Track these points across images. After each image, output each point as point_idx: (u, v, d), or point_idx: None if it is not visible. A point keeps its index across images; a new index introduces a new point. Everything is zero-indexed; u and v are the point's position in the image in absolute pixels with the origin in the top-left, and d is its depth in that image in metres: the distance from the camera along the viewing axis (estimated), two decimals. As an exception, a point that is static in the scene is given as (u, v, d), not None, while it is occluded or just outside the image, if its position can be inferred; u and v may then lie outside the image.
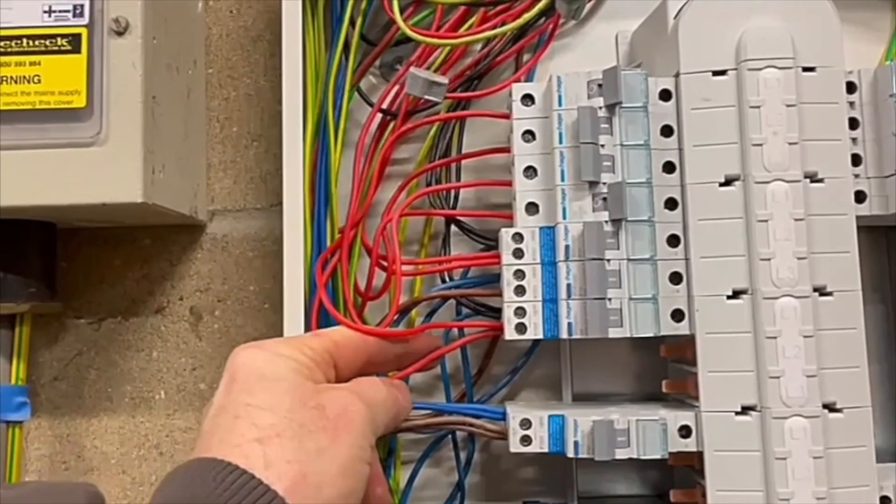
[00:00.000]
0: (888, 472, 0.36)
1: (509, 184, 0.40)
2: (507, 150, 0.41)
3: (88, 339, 0.44)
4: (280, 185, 0.45)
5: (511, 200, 0.39)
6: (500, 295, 0.38)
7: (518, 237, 0.36)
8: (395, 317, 0.38)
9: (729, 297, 0.34)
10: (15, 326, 0.40)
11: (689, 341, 0.36)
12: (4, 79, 0.34)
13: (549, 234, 0.36)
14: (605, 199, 0.35)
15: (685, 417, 0.35)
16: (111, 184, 0.34)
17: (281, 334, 0.44)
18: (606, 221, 0.35)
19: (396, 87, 0.41)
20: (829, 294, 0.34)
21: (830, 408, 0.34)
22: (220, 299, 0.44)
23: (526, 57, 0.43)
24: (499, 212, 0.41)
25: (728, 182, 0.35)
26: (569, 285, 0.35)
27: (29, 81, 0.35)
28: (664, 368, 0.41)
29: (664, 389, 0.38)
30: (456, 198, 0.42)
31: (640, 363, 0.42)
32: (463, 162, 0.42)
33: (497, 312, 0.40)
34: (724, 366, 0.34)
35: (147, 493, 0.43)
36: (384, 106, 0.41)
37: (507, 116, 0.41)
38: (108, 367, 0.44)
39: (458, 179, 0.42)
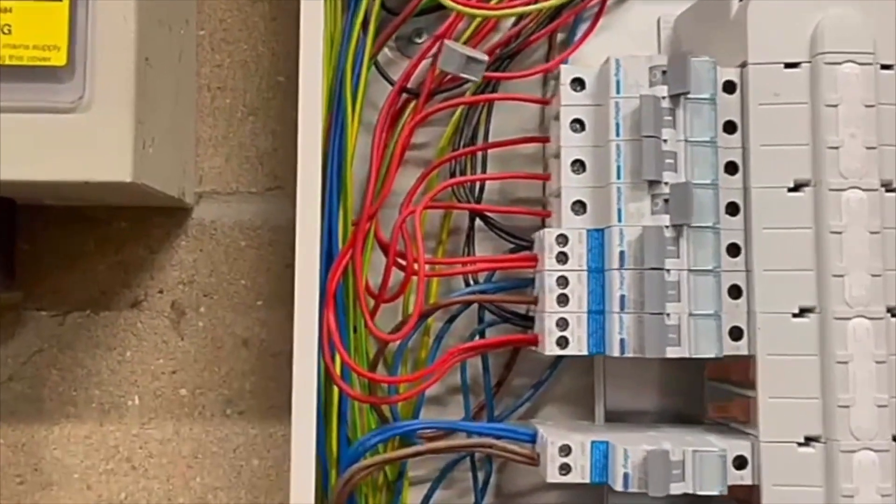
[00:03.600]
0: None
1: (546, 177, 0.36)
2: (542, 139, 0.37)
3: (51, 334, 0.38)
4: (278, 166, 0.40)
5: (549, 197, 0.35)
6: (534, 302, 0.34)
7: (562, 239, 0.32)
8: (415, 326, 0.34)
9: (794, 316, 0.32)
10: (-36, 319, 0.34)
11: (739, 361, 0.33)
12: (-34, 26, 0.28)
13: (597, 237, 0.32)
14: (666, 200, 0.31)
15: (740, 447, 0.32)
16: (95, 158, 0.29)
17: (276, 334, 0.39)
18: (667, 226, 0.31)
19: (419, 64, 0.36)
20: (903, 316, 0.31)
21: (900, 442, 0.31)
22: (206, 293, 0.39)
23: (560, 36, 0.39)
24: (529, 208, 0.37)
25: (797, 187, 0.32)
26: (622, 297, 0.31)
27: (-3, 31, 0.29)
28: (695, 385, 0.38)
29: (710, 413, 0.35)
30: (481, 190, 0.37)
31: (670, 379, 0.39)
32: (490, 150, 0.37)
33: (526, 321, 0.36)
34: (786, 391, 0.31)
35: (115, 513, 0.38)
36: (406, 83, 0.36)
37: (544, 101, 0.37)
38: (73, 368, 0.38)
39: (485, 170, 0.37)
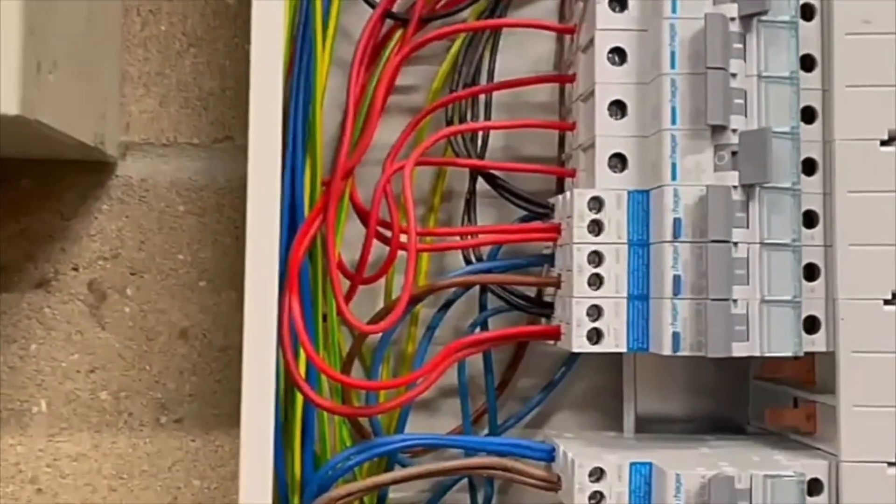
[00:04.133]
0: None
1: (570, 127, 0.29)
2: (563, 78, 0.30)
3: (-70, 322, 0.30)
4: (227, 111, 0.33)
5: (573, 151, 0.28)
6: (555, 284, 0.27)
7: (596, 203, 0.25)
8: (402, 314, 0.26)
9: (886, 303, 0.26)
10: None
11: (803, 357, 0.26)
12: None
13: (642, 200, 0.25)
14: (734, 153, 0.24)
15: (814, 468, 0.25)
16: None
17: (223, 323, 0.32)
18: (735, 187, 0.24)
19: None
20: None
21: None
22: (133, 272, 0.32)
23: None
24: (546, 167, 0.30)
25: (892, 140, 0.26)
26: (676, 278, 0.24)
27: None
28: (735, 385, 0.32)
29: (768, 422, 0.28)
30: (485, 143, 0.30)
31: (704, 377, 0.33)
32: (496, 93, 0.30)
33: (540, 307, 0.29)
34: (875, 398, 0.25)
35: (16, 548, 0.30)
36: (390, 8, 0.29)
37: (568, 30, 0.29)
38: (-41, 365, 0.30)
39: (489, 118, 0.30)
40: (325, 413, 0.28)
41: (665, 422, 0.32)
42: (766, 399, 0.31)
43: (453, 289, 0.29)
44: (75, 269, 0.32)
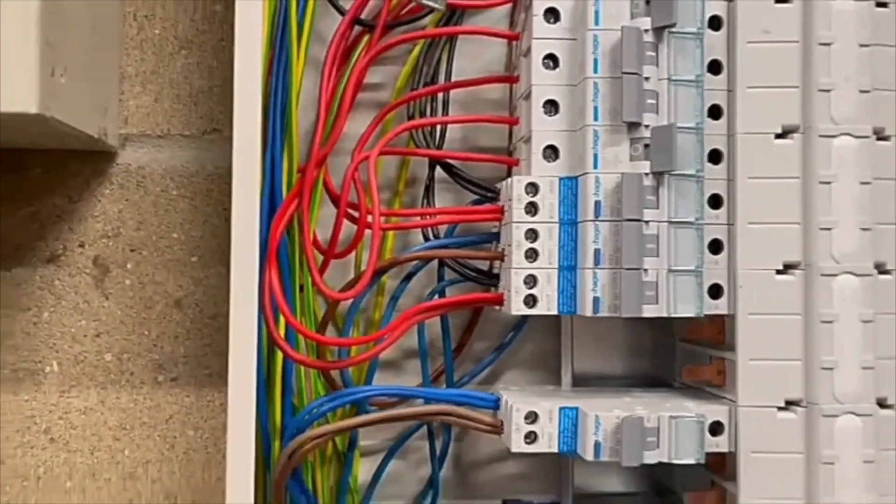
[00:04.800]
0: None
1: (514, 122, 0.33)
2: (510, 79, 0.34)
3: (-46, 293, 0.34)
4: (215, 107, 0.36)
5: (517, 143, 0.32)
6: (500, 258, 0.31)
7: (532, 188, 0.29)
8: (370, 283, 0.31)
9: (778, 272, 0.30)
10: None
11: (714, 321, 0.31)
12: None
13: (570, 186, 0.29)
14: (646, 145, 0.28)
15: (717, 412, 0.30)
16: (-8, 85, 0.25)
17: (213, 294, 0.36)
18: (647, 174, 0.28)
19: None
20: (888, 272, 0.30)
21: (882, 404, 0.29)
22: (133, 248, 0.35)
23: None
24: (495, 156, 0.34)
25: (785, 134, 0.30)
26: (597, 251, 0.28)
27: None
28: (666, 347, 0.36)
29: (684, 377, 0.33)
30: (443, 135, 0.34)
31: (639, 341, 0.37)
32: (453, 91, 0.34)
33: (490, 278, 0.33)
34: (767, 353, 0.30)
35: (32, 489, 0.34)
36: (358, 15, 0.33)
37: (513, 36, 0.33)
38: (-19, 330, 0.34)
39: (446, 113, 0.34)
40: (302, 370, 0.32)
41: (602, 379, 0.37)
42: (689, 358, 0.35)
43: (415, 262, 0.33)
44: (81, 246, 0.35)
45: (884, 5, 0.30)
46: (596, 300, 0.28)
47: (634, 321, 0.36)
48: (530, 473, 0.36)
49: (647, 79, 0.28)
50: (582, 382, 0.36)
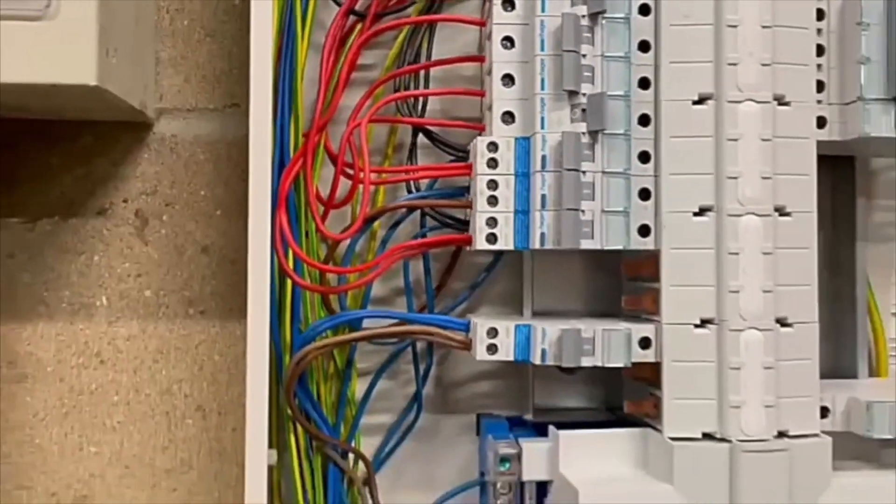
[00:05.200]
0: (829, 389, 0.38)
1: (482, 94, 0.39)
2: (479, 58, 0.40)
3: (22, 240, 0.41)
4: (234, 84, 0.43)
5: (484, 111, 0.39)
6: (469, 206, 0.38)
7: (493, 146, 0.36)
8: (361, 227, 0.37)
9: (695, 215, 0.35)
10: (-60, 221, 0.37)
11: (650, 258, 0.37)
12: (-64, -64, 0.31)
13: (524, 144, 0.36)
14: (584, 110, 0.35)
15: (646, 330, 0.36)
16: (62, 63, 0.32)
17: (234, 242, 0.42)
18: (584, 133, 0.35)
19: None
20: (788, 214, 0.36)
21: (782, 323, 0.35)
22: (168, 203, 0.42)
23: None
24: (468, 122, 0.40)
25: (701, 100, 0.35)
26: (543, 196, 0.35)
27: (-35, -59, 0.31)
28: (619, 289, 0.42)
29: (623, 306, 0.39)
30: (424, 107, 0.41)
31: (596, 283, 0.43)
32: (431, 72, 0.41)
33: (463, 225, 0.40)
34: (686, 280, 0.35)
35: (86, 403, 0.41)
36: (353, 6, 0.39)
37: (481, 23, 0.40)
38: (43, 271, 0.41)
39: (427, 88, 0.41)
40: (308, 301, 0.39)
41: (562, 313, 0.43)
42: (632, 292, 0.41)
43: (401, 211, 0.40)
44: (125, 202, 0.42)
45: (785, -4, 0.36)
46: (543, 235, 0.35)
47: (592, 267, 0.43)
48: (500, 392, 0.43)
49: (583, 56, 0.34)
50: (545, 315, 0.42)
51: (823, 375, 0.42)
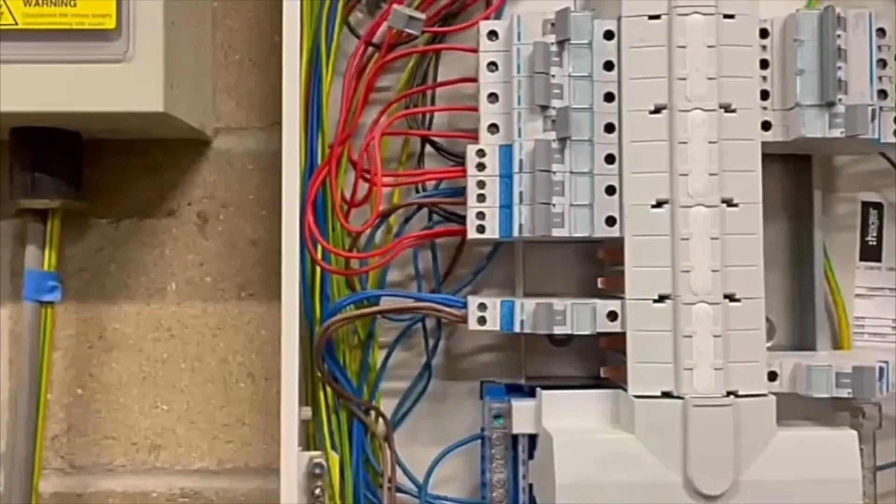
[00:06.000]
0: (781, 357, 0.44)
1: (474, 109, 0.46)
2: (470, 79, 0.47)
3: (109, 236, 0.50)
4: (277, 107, 0.51)
5: (478, 124, 0.46)
6: (465, 203, 0.45)
7: (481, 153, 0.43)
8: (377, 221, 0.45)
9: (653, 207, 0.40)
10: (47, 221, 0.47)
11: (620, 245, 0.43)
12: (47, 2, 0.40)
13: (507, 151, 0.43)
14: (553, 121, 0.41)
15: (613, 305, 0.42)
16: (136, 95, 0.41)
17: (277, 236, 0.51)
18: (554, 140, 0.41)
19: (382, 23, 0.47)
20: (735, 205, 0.41)
21: (731, 298, 0.41)
22: (223, 205, 0.50)
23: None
24: (467, 133, 0.48)
25: (657, 110, 0.40)
26: (521, 193, 0.42)
27: (66, 5, 0.40)
28: (601, 275, 0.48)
29: (600, 286, 0.46)
30: (431, 121, 0.48)
31: (583, 270, 0.49)
32: (438, 90, 0.48)
33: (463, 219, 0.47)
34: (646, 262, 0.41)
35: (159, 369, 0.50)
36: (370, 39, 0.47)
37: (473, 50, 0.47)
38: (126, 262, 0.50)
39: (433, 105, 0.48)
40: (334, 283, 0.47)
41: (551, 295, 0.49)
42: (605, 274, 0.46)
43: (413, 208, 0.48)
44: (189, 205, 0.51)
45: (730, 17, 0.42)
46: (521, 226, 0.42)
47: (580, 259, 0.49)
48: (500, 362, 0.49)
49: (553, 76, 0.41)
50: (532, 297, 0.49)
51: (789, 349, 0.47)
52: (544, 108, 0.41)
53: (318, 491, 0.43)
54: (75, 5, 0.40)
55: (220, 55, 0.51)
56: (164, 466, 0.50)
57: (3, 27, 0.40)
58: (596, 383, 0.47)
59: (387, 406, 0.48)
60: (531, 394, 0.46)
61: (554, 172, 0.41)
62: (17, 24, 0.40)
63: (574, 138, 0.41)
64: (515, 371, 0.49)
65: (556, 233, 0.41)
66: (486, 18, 0.46)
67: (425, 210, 0.48)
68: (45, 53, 0.40)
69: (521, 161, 0.42)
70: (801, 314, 0.49)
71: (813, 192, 0.48)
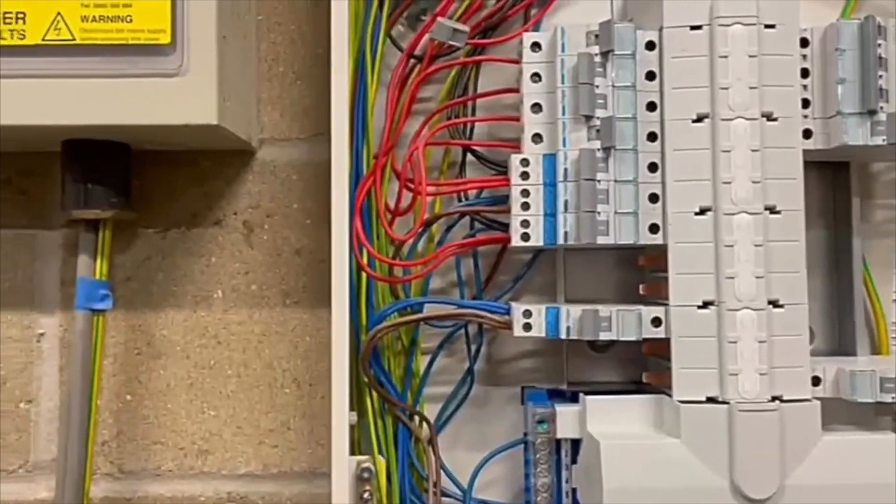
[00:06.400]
0: (823, 363, 0.44)
1: (517, 119, 0.47)
2: (516, 90, 0.48)
3: (156, 245, 0.52)
4: (319, 118, 0.52)
5: (519, 133, 0.47)
6: (508, 211, 0.46)
7: (525, 162, 0.44)
8: (420, 229, 0.46)
9: (696, 214, 0.41)
10: (98, 231, 0.48)
11: (662, 252, 0.44)
12: (104, 17, 0.41)
13: (550, 160, 0.44)
14: (598, 130, 0.42)
15: (657, 311, 0.43)
16: (191, 108, 0.42)
17: (320, 245, 0.52)
18: (598, 149, 0.42)
19: (423, 36, 0.48)
20: (778, 212, 0.42)
21: (775, 304, 0.42)
22: (268, 215, 0.51)
23: (533, 11, 0.50)
24: (508, 142, 0.48)
25: (699, 119, 0.41)
26: (566, 201, 0.43)
27: (123, 20, 0.42)
28: (640, 281, 0.48)
29: (641, 292, 0.46)
30: (471, 131, 0.49)
31: (623, 277, 0.49)
32: (478, 101, 0.49)
33: (504, 227, 0.48)
34: (689, 268, 0.42)
35: (206, 376, 0.51)
36: (413, 51, 0.48)
37: (517, 62, 0.48)
38: (173, 270, 0.52)
39: (474, 115, 0.49)
40: (379, 291, 0.48)
41: (591, 301, 0.50)
42: (647, 280, 0.47)
43: (454, 216, 0.49)
44: (235, 214, 0.52)
45: (771, 27, 0.43)
46: (566, 234, 0.43)
47: (622, 265, 0.50)
48: (541, 368, 0.50)
49: (597, 86, 0.42)
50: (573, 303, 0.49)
51: (828, 354, 0.48)
52: (588, 117, 0.42)
53: (366, 495, 0.44)
54: (131, 21, 0.41)
55: (264, 67, 0.52)
56: (211, 471, 0.51)
57: (61, 42, 0.42)
58: (636, 388, 0.47)
59: (430, 411, 0.49)
60: (572, 399, 0.46)
61: (599, 181, 0.42)
62: (74, 38, 0.42)
63: (618, 147, 0.42)
64: (555, 376, 0.50)
65: (602, 240, 0.42)
66: (527, 31, 0.47)
67: (466, 218, 0.49)
68: (102, 67, 0.42)
69: (565, 170, 0.43)
70: (840, 320, 0.49)
71: (852, 199, 0.48)
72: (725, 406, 0.41)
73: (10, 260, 0.51)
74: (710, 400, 0.41)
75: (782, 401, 0.41)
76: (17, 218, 0.51)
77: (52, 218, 0.51)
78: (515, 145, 0.48)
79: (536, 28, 0.49)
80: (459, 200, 0.48)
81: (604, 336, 0.42)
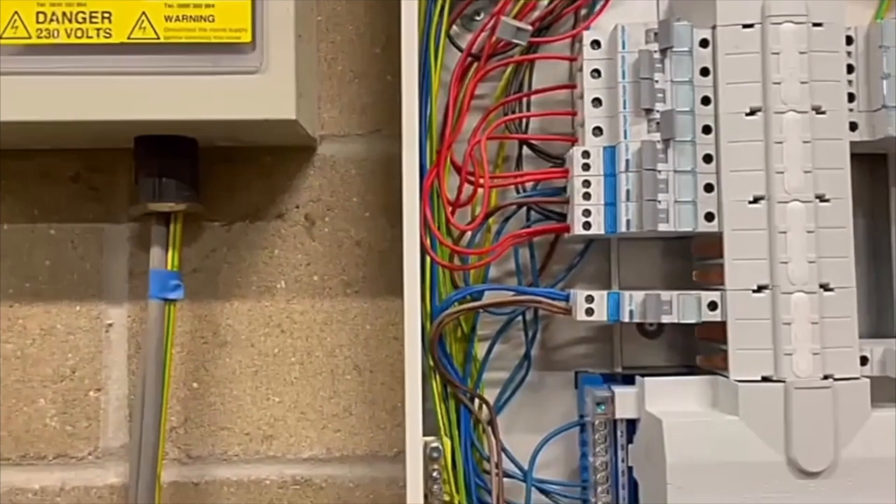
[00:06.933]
0: (869, 344, 0.46)
1: (572, 114, 0.50)
2: (570, 86, 0.50)
3: (221, 238, 0.53)
4: (376, 115, 0.54)
5: (576, 127, 0.49)
6: (566, 202, 0.48)
7: (586, 154, 0.46)
8: (483, 220, 0.48)
9: (750, 203, 0.43)
10: (169, 224, 0.49)
11: (715, 239, 0.46)
12: (187, 17, 0.43)
13: (610, 152, 0.46)
14: (658, 123, 0.44)
15: (714, 295, 0.45)
16: (270, 104, 0.43)
17: (379, 237, 0.54)
18: (658, 141, 0.44)
19: (479, 35, 0.50)
20: (827, 200, 0.44)
21: (825, 287, 0.44)
22: (329, 208, 0.53)
23: (583, 11, 0.52)
24: (562, 136, 0.51)
25: (752, 113, 0.43)
26: (628, 191, 0.45)
27: (205, 20, 0.43)
28: (688, 270, 0.50)
29: (694, 279, 0.48)
30: (527, 125, 0.51)
31: (671, 266, 0.52)
32: (532, 98, 0.51)
33: (561, 217, 0.50)
34: (744, 254, 0.44)
35: (270, 363, 0.53)
36: (471, 50, 0.50)
37: (571, 59, 0.50)
38: (237, 262, 0.53)
39: (529, 111, 0.51)
40: (441, 280, 0.50)
41: (642, 289, 0.52)
42: (699, 267, 0.49)
43: (511, 207, 0.51)
44: (297, 207, 0.54)
45: (819, 25, 0.45)
46: (628, 222, 0.45)
47: (668, 252, 0.52)
48: (594, 353, 0.52)
49: (656, 81, 0.44)
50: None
51: (868, 337, 0.50)
52: (648, 111, 0.44)
53: (434, 473, 0.46)
54: (213, 20, 0.43)
55: (324, 66, 0.54)
56: (276, 455, 0.52)
57: (146, 41, 0.43)
58: (687, 371, 0.49)
59: (489, 395, 0.50)
60: (625, 382, 0.49)
61: (659, 171, 0.44)
62: (158, 37, 0.43)
63: (677, 139, 0.44)
64: (607, 361, 0.52)
65: (662, 227, 0.44)
66: (586, 29, 0.49)
67: (520, 210, 0.51)
68: (185, 65, 0.43)
69: (626, 161, 0.45)
70: (879, 305, 0.51)
71: (890, 190, 0.51)
72: (781, 384, 0.43)
73: (80, 253, 0.53)
74: (765, 379, 0.44)
75: (834, 379, 0.43)
76: (86, 212, 0.53)
77: (119, 212, 0.53)
78: (570, 138, 0.50)
79: (586, 27, 0.51)
80: (517, 192, 0.50)
81: (665, 319, 0.44)
